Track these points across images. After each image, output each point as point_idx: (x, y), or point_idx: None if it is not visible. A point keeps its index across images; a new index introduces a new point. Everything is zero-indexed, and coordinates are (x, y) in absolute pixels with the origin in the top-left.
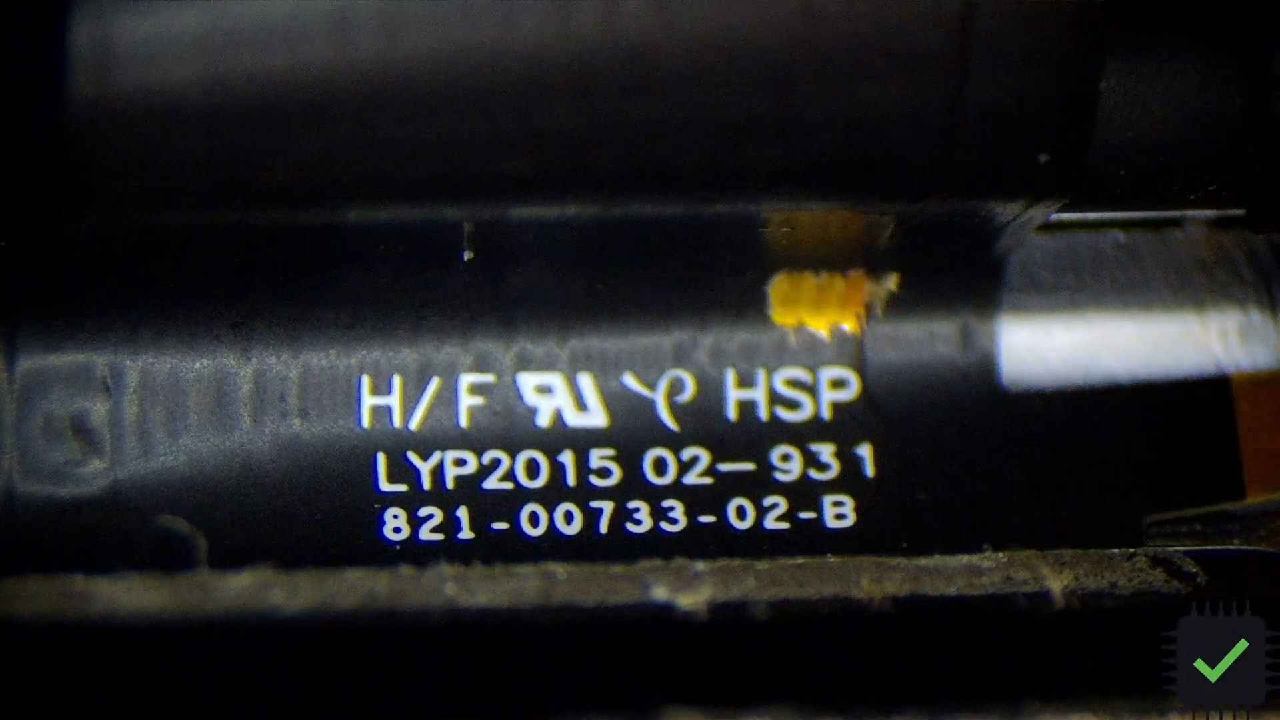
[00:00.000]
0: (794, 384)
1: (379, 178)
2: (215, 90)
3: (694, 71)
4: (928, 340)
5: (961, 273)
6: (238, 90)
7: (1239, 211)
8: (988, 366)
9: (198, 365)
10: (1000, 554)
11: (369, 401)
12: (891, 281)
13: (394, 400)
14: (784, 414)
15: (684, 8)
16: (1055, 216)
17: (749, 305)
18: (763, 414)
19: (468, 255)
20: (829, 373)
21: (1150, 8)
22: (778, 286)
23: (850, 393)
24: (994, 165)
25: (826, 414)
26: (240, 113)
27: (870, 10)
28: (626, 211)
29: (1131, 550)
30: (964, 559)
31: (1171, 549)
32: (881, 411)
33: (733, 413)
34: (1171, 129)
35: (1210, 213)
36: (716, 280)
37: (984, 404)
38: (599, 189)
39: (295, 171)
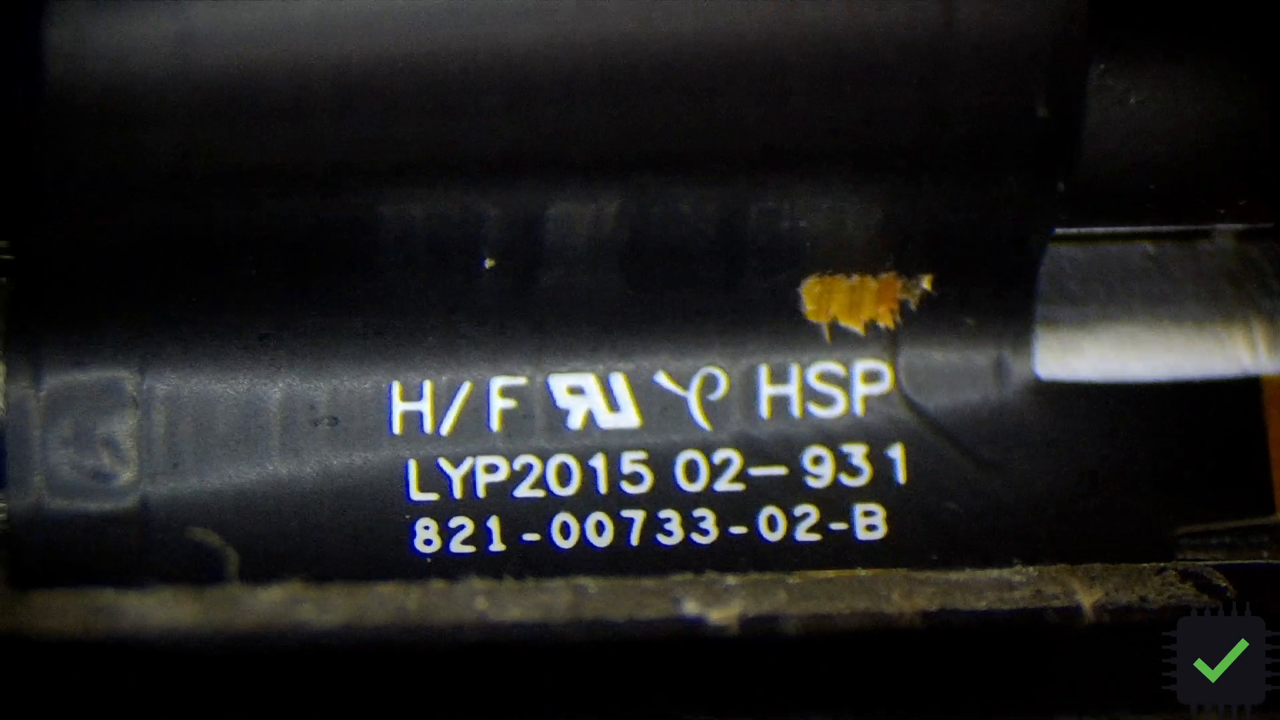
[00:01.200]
0: (827, 378)
1: (358, 172)
2: (186, 86)
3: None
4: (960, 334)
5: (993, 280)
6: (210, 85)
7: (1268, 224)
8: (1016, 376)
9: (226, 377)
10: (1031, 568)
11: (400, 407)
12: (925, 281)
13: (425, 406)
14: (817, 410)
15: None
16: (1084, 229)
17: (782, 304)
18: (795, 410)
19: (489, 263)
20: (862, 366)
21: (1179, 22)
22: (810, 288)
23: (884, 385)
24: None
25: (859, 409)
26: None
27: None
28: (653, 209)
29: (1162, 564)
30: (994, 573)
31: (1201, 562)
32: (914, 405)
33: (765, 410)
34: (1200, 143)
35: (1239, 225)
36: (748, 281)
37: (1013, 412)
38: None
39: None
